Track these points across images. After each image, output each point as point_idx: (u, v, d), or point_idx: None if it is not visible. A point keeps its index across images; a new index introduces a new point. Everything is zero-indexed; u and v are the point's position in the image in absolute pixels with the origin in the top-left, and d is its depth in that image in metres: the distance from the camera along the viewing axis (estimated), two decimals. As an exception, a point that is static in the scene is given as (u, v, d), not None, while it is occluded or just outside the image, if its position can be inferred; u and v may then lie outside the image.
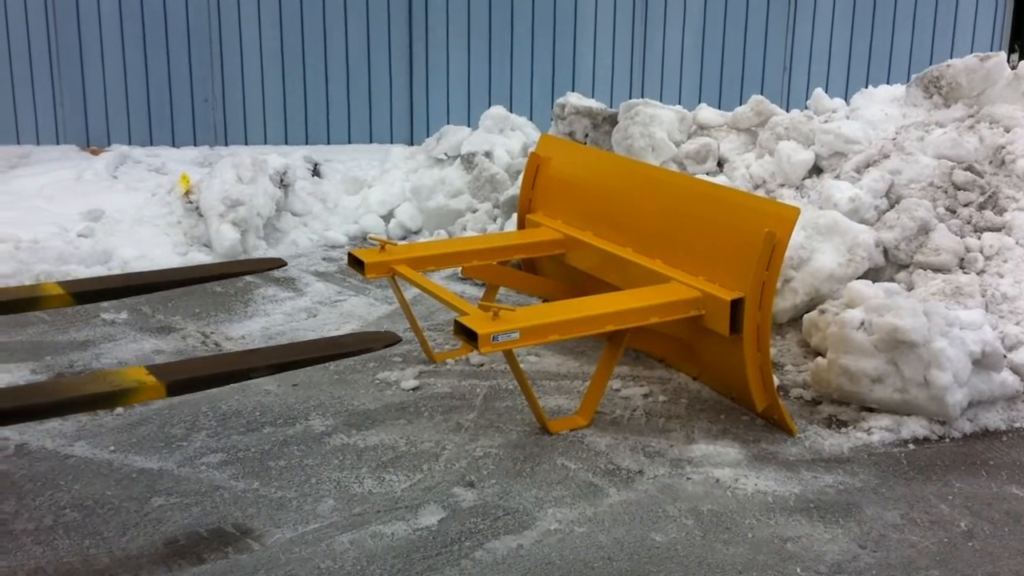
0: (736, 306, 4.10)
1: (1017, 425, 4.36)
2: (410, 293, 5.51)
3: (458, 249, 5.03)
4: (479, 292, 5.70)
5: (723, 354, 4.32)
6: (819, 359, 4.55)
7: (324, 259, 6.55)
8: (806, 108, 6.51)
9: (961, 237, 5.22)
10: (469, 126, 7.71)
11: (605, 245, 4.84)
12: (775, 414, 4.24)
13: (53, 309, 4.68)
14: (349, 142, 9.62)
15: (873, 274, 5.15)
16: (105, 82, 9.15)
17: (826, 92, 6.57)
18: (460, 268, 5.34)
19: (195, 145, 9.33)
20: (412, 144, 9.27)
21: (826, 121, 6.05)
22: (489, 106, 7.75)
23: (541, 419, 4.19)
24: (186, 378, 3.45)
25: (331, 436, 4.14)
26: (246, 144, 9.36)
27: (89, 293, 4.30)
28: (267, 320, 5.46)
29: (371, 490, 3.74)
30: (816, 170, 5.89)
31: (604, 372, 4.29)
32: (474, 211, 6.87)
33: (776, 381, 4.34)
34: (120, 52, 9.13)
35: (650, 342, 4.75)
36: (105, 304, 5.43)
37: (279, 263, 4.82)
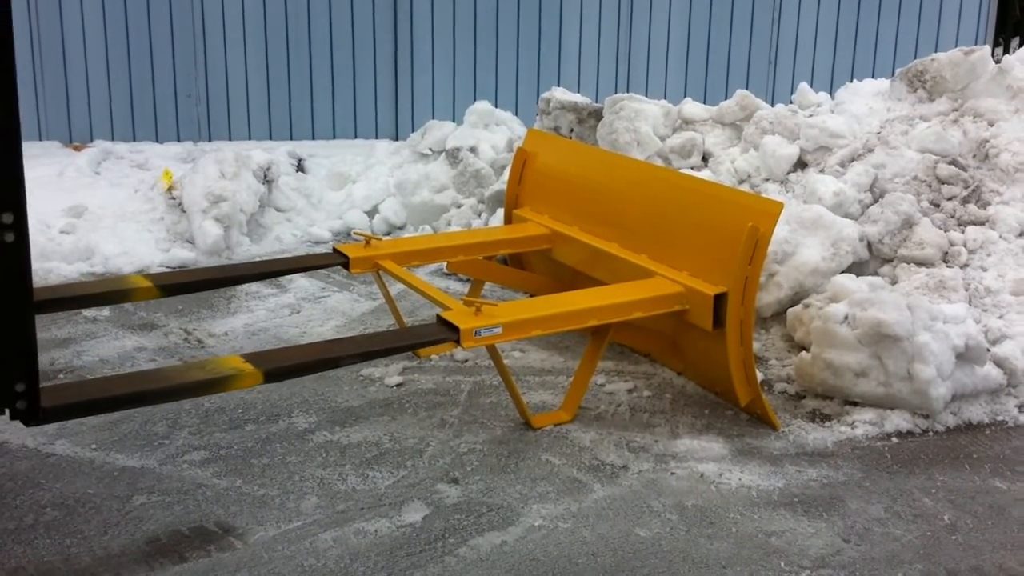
0: (719, 301, 4.10)
1: (1000, 418, 4.38)
2: (395, 289, 5.49)
3: (443, 244, 5.01)
4: (465, 288, 5.68)
5: (707, 349, 4.32)
6: (803, 353, 4.55)
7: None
8: (791, 102, 6.51)
9: (945, 231, 5.22)
10: (454, 121, 7.69)
11: (591, 240, 4.83)
12: (758, 409, 4.24)
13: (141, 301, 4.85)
14: (334, 137, 9.59)
15: (857, 268, 5.15)
16: (87, 77, 9.10)
17: (811, 86, 6.57)
18: (445, 263, 5.32)
19: (178, 141, 9.29)
20: (397, 139, 9.25)
21: (811, 115, 6.06)
22: (474, 101, 7.72)
23: (524, 414, 4.18)
24: (282, 366, 3.53)
25: (314, 433, 4.12)
26: (230, 140, 9.32)
27: (175, 286, 4.43)
28: (250, 316, 5.43)
29: (355, 487, 3.72)
30: (801, 164, 5.89)
31: (588, 367, 4.28)
32: (459, 206, 6.85)
33: (760, 375, 4.34)
34: (103, 47, 9.08)
35: (634, 337, 4.74)
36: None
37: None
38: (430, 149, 7.32)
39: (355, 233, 5.00)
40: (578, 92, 7.42)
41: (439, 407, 4.37)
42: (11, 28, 2.66)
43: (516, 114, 7.92)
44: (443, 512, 3.57)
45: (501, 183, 6.65)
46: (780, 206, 4.03)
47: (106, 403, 3.26)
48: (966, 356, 4.31)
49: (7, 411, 2.97)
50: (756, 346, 4.83)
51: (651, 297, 4.21)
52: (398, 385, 4.57)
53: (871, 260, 5.24)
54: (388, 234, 6.91)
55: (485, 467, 3.88)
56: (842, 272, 5.02)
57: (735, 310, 4.07)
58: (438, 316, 3.92)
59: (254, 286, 5.86)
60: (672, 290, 4.23)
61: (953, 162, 5.48)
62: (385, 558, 3.31)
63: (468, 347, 3.86)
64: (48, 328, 5.18)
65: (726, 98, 6.48)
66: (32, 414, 2.97)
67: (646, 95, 6.90)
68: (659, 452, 4.03)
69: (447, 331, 3.86)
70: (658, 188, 4.69)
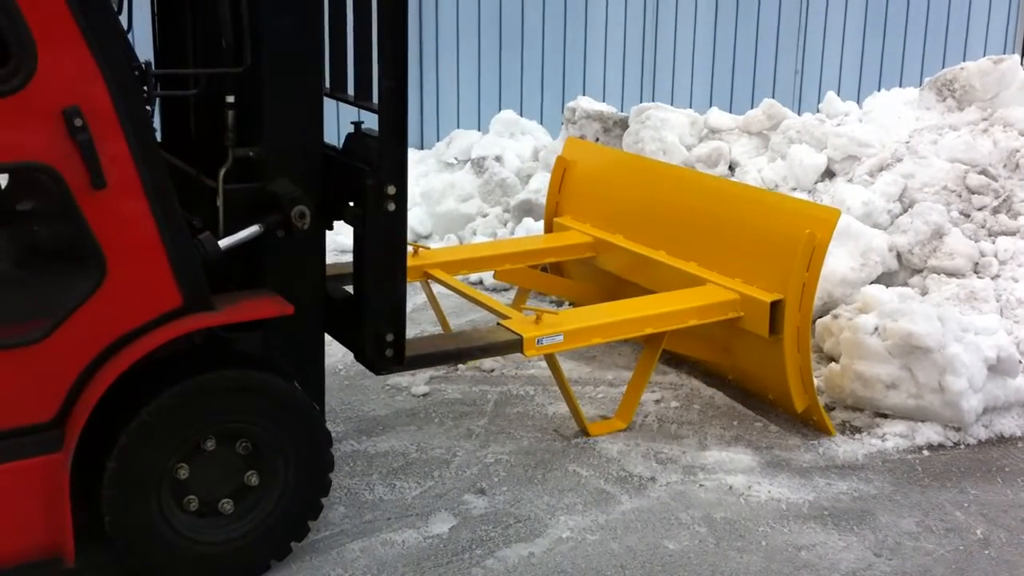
0: (775, 308, 4.09)
1: (1033, 431, 4.33)
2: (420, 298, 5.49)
3: (488, 253, 5.03)
4: (501, 296, 5.65)
5: (761, 356, 4.30)
6: (833, 365, 4.52)
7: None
8: (818, 111, 6.48)
9: (975, 241, 5.18)
10: (479, 130, 7.69)
11: (637, 248, 4.82)
12: (814, 415, 4.23)
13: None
14: (360, 146, 9.58)
15: (886, 279, 5.12)
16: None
17: (838, 95, 6.54)
18: (492, 272, 5.35)
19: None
20: (422, 148, 9.24)
21: (838, 124, 6.02)
22: (499, 110, 7.73)
23: (581, 422, 4.19)
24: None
25: (341, 443, 4.12)
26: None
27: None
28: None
29: (382, 497, 3.72)
30: (828, 174, 5.86)
31: (642, 375, 4.30)
32: (484, 215, 6.85)
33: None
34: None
35: (684, 343, 4.72)
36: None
37: None
38: (455, 158, 7.33)
39: None
40: (603, 101, 7.40)
41: (466, 417, 4.37)
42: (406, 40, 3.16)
43: (541, 123, 7.91)
44: (470, 523, 3.57)
45: (527, 192, 6.64)
46: (837, 213, 4.05)
47: (444, 356, 3.83)
48: (998, 368, 4.27)
49: (370, 359, 3.39)
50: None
51: (707, 304, 4.22)
52: (424, 395, 4.56)
53: (900, 270, 5.20)
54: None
55: (512, 478, 3.87)
56: (871, 283, 4.98)
57: (792, 317, 4.07)
58: (499, 324, 3.93)
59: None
60: (727, 297, 4.23)
61: (983, 172, 5.43)
62: (412, 569, 3.30)
63: (530, 356, 3.88)
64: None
65: (752, 107, 6.46)
66: (398, 360, 3.38)
67: (672, 104, 6.89)
68: (687, 464, 4.01)
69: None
70: (709, 195, 4.69)
